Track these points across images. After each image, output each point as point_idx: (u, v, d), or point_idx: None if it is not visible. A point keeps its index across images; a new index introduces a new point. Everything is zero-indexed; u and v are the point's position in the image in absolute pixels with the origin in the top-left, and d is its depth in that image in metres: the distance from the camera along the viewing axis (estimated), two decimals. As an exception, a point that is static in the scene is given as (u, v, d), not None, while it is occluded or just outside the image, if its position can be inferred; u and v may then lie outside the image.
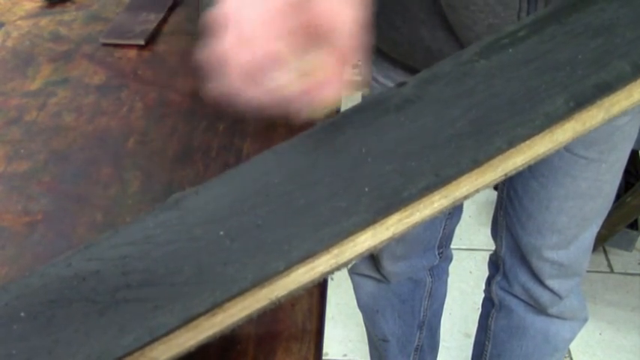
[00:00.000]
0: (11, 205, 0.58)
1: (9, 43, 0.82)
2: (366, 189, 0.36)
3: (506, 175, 0.39)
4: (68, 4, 0.91)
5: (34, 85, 0.74)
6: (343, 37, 0.40)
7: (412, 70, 0.77)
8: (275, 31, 0.39)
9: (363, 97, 0.95)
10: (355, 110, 0.41)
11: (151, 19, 0.87)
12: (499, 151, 0.37)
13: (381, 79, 0.85)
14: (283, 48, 0.38)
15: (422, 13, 0.68)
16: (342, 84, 0.40)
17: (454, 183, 0.37)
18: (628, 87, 0.40)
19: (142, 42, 0.83)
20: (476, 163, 0.37)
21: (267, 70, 0.39)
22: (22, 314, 0.34)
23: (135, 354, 0.33)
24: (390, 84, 0.84)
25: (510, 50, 0.42)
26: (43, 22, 0.87)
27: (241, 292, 0.34)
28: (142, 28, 0.85)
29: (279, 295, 0.35)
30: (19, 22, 0.87)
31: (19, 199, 0.59)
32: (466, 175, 0.37)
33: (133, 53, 0.81)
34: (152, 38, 0.84)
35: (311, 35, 0.41)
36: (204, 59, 0.41)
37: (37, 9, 0.90)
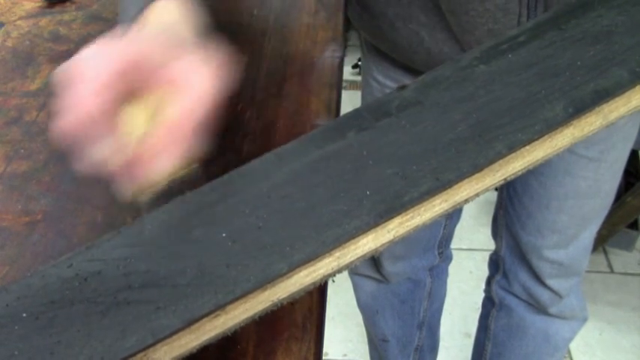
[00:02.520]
0: (11, 205, 0.58)
1: (9, 43, 0.82)
2: (368, 192, 0.36)
3: (505, 179, 0.39)
4: (68, 4, 0.90)
5: (34, 85, 0.74)
6: (185, 107, 0.35)
7: (412, 71, 0.77)
8: (101, 97, 0.34)
9: (364, 99, 0.96)
10: (356, 112, 0.41)
11: (151, 19, 0.87)
12: (499, 155, 0.37)
13: (381, 78, 0.85)
14: (107, 116, 0.34)
15: (422, 15, 0.68)
16: (174, 160, 0.35)
17: (455, 187, 0.37)
18: (626, 94, 0.40)
19: (142, 42, 0.82)
20: (476, 167, 0.37)
21: (88, 138, 0.34)
22: (24, 315, 0.34)
23: (137, 355, 0.33)
24: (390, 83, 0.84)
25: (510, 55, 0.42)
26: (43, 22, 0.87)
27: (244, 294, 0.34)
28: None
29: (281, 297, 0.36)
30: (19, 22, 0.87)
31: (19, 199, 0.59)
32: (466, 180, 0.37)
33: (133, 53, 0.80)
34: (152, 38, 0.84)
35: (148, 100, 0.36)
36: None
37: (37, 9, 0.90)
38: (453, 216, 1.06)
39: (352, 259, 0.36)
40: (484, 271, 1.12)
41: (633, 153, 1.10)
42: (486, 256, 1.11)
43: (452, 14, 0.65)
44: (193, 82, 0.35)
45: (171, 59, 0.36)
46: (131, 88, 0.36)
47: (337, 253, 0.36)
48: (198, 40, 0.40)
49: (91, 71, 0.35)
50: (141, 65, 0.35)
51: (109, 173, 0.36)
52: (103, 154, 0.35)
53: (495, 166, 0.38)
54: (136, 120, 0.37)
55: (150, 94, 0.36)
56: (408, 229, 0.37)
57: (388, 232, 0.36)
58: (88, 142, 0.35)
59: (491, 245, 1.06)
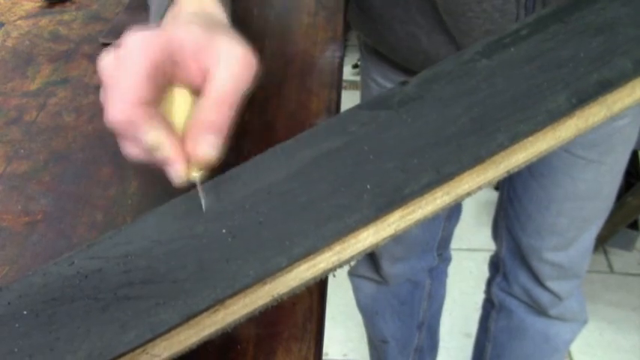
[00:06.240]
0: (11, 205, 0.58)
1: (9, 43, 0.82)
2: (368, 186, 0.36)
3: (508, 172, 0.39)
4: (68, 4, 0.90)
5: (34, 85, 0.74)
6: (228, 83, 0.37)
7: (411, 73, 0.77)
8: (137, 97, 0.35)
9: (363, 97, 0.96)
10: (357, 108, 0.41)
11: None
12: (501, 147, 0.37)
13: (380, 80, 0.86)
14: (143, 114, 0.35)
15: (420, 16, 0.68)
16: (224, 134, 0.37)
17: (456, 179, 0.37)
18: (630, 84, 0.40)
19: (141, 42, 0.82)
20: (478, 159, 0.37)
21: (132, 131, 0.36)
22: (25, 312, 0.34)
23: (136, 351, 0.33)
24: (389, 85, 0.84)
25: (512, 49, 0.42)
26: (43, 22, 0.87)
27: (243, 289, 0.34)
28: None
29: (281, 292, 0.35)
30: (18, 22, 0.87)
31: (19, 199, 0.59)
32: (468, 172, 0.37)
33: (133, 53, 0.80)
34: (152, 38, 0.84)
35: (190, 82, 0.38)
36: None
37: (37, 9, 0.90)
38: (451, 218, 1.06)
39: (353, 253, 0.36)
40: (484, 272, 1.12)
41: (633, 153, 1.10)
42: (487, 256, 1.11)
43: (449, 16, 0.65)
44: (232, 59, 0.37)
45: (210, 40, 0.37)
46: (173, 74, 0.37)
47: (337, 247, 0.35)
48: (229, 25, 0.42)
49: (133, 65, 0.36)
50: (181, 50, 0.37)
51: (160, 159, 0.37)
52: (152, 141, 0.36)
53: (497, 158, 0.37)
54: (181, 103, 0.38)
55: (191, 76, 0.38)
56: (409, 222, 0.37)
57: (389, 225, 0.36)
58: (136, 131, 0.36)
59: (492, 245, 1.06)
